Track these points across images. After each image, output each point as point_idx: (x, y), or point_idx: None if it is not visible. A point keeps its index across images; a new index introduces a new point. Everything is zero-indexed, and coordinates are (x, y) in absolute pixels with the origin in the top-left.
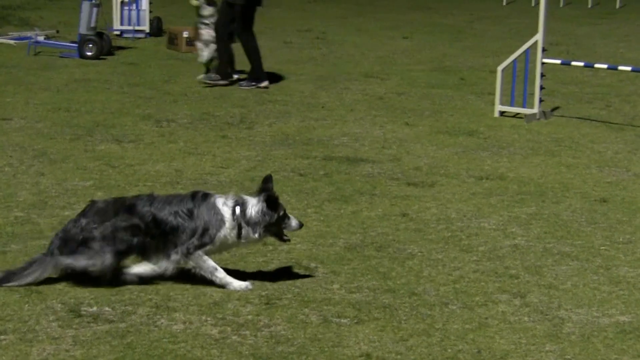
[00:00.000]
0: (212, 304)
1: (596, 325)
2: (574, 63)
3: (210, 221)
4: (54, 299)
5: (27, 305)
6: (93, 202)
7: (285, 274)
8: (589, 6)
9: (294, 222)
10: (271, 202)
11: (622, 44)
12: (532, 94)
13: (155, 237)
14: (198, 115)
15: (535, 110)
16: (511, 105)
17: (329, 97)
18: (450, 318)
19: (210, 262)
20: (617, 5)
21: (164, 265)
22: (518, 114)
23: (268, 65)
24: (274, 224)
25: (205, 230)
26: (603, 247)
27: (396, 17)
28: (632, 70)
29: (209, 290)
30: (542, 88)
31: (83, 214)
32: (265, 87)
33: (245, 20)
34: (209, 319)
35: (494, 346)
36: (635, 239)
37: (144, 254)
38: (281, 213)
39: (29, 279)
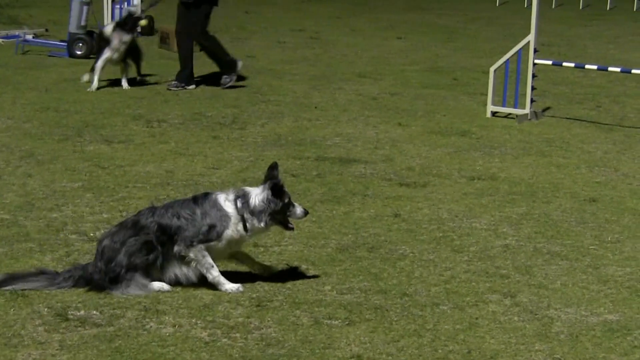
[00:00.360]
0: (202, 307)
1: (585, 324)
2: (565, 64)
3: (215, 219)
4: (40, 302)
5: (12, 310)
6: (100, 242)
7: (276, 275)
8: (580, 8)
9: (299, 210)
10: (276, 189)
11: (612, 45)
12: (524, 95)
13: (165, 244)
14: (189, 115)
15: (527, 110)
16: (503, 105)
17: (322, 98)
18: (441, 318)
19: (208, 259)
20: (608, 7)
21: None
22: (510, 114)
23: (262, 65)
24: (280, 212)
25: (211, 227)
26: (592, 247)
27: (390, 17)
28: (622, 71)
29: (199, 292)
30: (533, 88)
31: (98, 257)
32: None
33: (201, 21)
34: (198, 322)
35: (484, 346)
36: (624, 239)
37: (162, 265)
38: (286, 200)
39: (30, 286)
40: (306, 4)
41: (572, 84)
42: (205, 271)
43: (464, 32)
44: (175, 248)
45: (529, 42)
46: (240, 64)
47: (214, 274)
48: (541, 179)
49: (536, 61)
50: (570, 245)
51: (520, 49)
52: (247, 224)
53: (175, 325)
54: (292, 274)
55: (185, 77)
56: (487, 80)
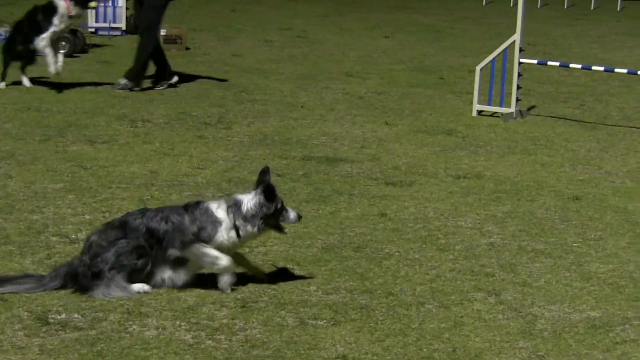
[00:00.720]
0: (186, 309)
1: (568, 321)
2: (550, 63)
3: (205, 224)
4: (20, 306)
5: None
6: (88, 238)
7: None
8: (565, 7)
9: (292, 214)
10: (269, 193)
11: (595, 45)
12: (510, 94)
13: (153, 247)
14: (174, 115)
15: (512, 109)
16: (489, 104)
17: (309, 97)
18: (426, 317)
19: (213, 250)
20: (592, 7)
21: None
22: (495, 113)
23: (248, 64)
24: (272, 216)
25: (201, 229)
26: (575, 244)
27: (377, 16)
28: (605, 70)
29: (183, 294)
30: (519, 87)
31: (84, 252)
32: (142, 89)
33: (157, 18)
34: (182, 324)
35: (468, 344)
36: (606, 236)
37: (151, 271)
38: (279, 205)
39: (18, 289)
40: (294, 3)
41: (557, 82)
42: (213, 263)
43: (451, 31)
44: (169, 251)
45: (514, 41)
46: (146, 84)
47: (224, 261)
48: (526, 177)
49: (521, 60)
50: (554, 243)
51: (506, 48)
52: (240, 231)
53: (158, 328)
54: (278, 274)
55: (160, 75)
56: (473, 79)
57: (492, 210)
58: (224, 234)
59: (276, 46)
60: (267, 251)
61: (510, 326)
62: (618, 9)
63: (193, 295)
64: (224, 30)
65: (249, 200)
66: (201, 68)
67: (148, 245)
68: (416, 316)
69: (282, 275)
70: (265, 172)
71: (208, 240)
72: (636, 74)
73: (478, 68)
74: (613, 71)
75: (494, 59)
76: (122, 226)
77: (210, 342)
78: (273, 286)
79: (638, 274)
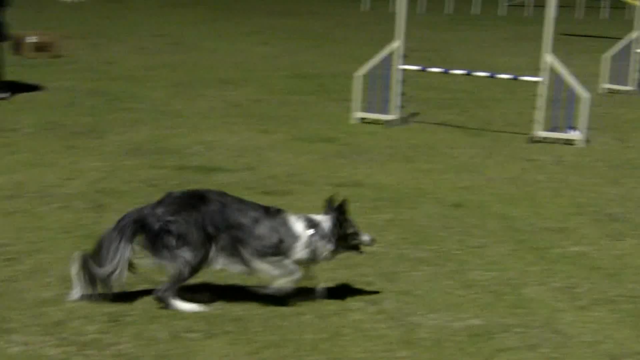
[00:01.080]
0: (54, 324)
1: (449, 329)
2: (431, 69)
3: (284, 236)
4: None
5: None
6: (170, 193)
7: (131, 289)
8: (447, 13)
9: (366, 237)
10: (341, 216)
11: (478, 50)
12: (391, 101)
13: (221, 230)
14: (43, 124)
15: (394, 116)
16: (370, 111)
17: (184, 105)
18: (304, 328)
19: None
20: (474, 12)
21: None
22: (377, 120)
23: (120, 72)
24: (347, 237)
25: (281, 241)
26: (457, 252)
27: (255, 22)
28: (488, 76)
29: (50, 309)
30: (401, 94)
31: (160, 203)
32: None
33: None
34: (50, 339)
35: (347, 355)
36: (488, 243)
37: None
38: (351, 230)
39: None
40: (169, 9)
41: (439, 89)
42: (289, 275)
43: (331, 37)
44: (246, 255)
45: (395, 47)
46: (9, 95)
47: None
48: (407, 185)
49: (403, 67)
50: (435, 251)
51: (386, 54)
52: (318, 250)
53: (26, 344)
54: (148, 287)
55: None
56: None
57: (373, 218)
58: (301, 250)
59: (150, 53)
60: (137, 264)
61: (390, 335)
62: (499, 15)
63: (61, 310)
64: (96, 38)
65: (325, 221)
66: (72, 76)
67: (219, 229)
68: (293, 327)
69: (153, 288)
70: (333, 200)
71: (285, 254)
72: (518, 79)
73: (357, 75)
74: (494, 77)
75: (374, 66)
76: (202, 198)
77: (79, 357)
78: (144, 299)
79: (519, 281)
